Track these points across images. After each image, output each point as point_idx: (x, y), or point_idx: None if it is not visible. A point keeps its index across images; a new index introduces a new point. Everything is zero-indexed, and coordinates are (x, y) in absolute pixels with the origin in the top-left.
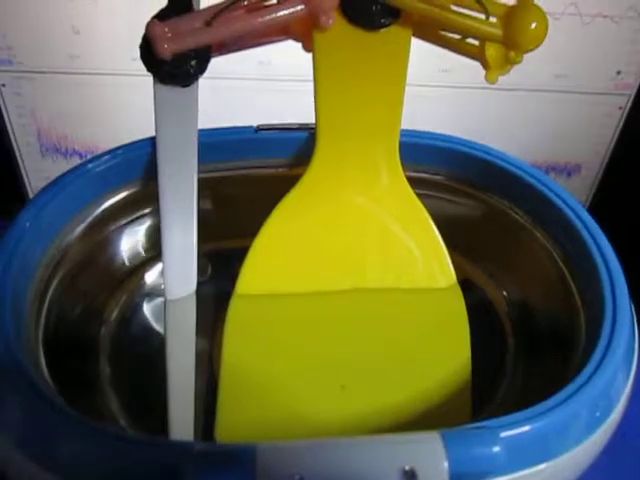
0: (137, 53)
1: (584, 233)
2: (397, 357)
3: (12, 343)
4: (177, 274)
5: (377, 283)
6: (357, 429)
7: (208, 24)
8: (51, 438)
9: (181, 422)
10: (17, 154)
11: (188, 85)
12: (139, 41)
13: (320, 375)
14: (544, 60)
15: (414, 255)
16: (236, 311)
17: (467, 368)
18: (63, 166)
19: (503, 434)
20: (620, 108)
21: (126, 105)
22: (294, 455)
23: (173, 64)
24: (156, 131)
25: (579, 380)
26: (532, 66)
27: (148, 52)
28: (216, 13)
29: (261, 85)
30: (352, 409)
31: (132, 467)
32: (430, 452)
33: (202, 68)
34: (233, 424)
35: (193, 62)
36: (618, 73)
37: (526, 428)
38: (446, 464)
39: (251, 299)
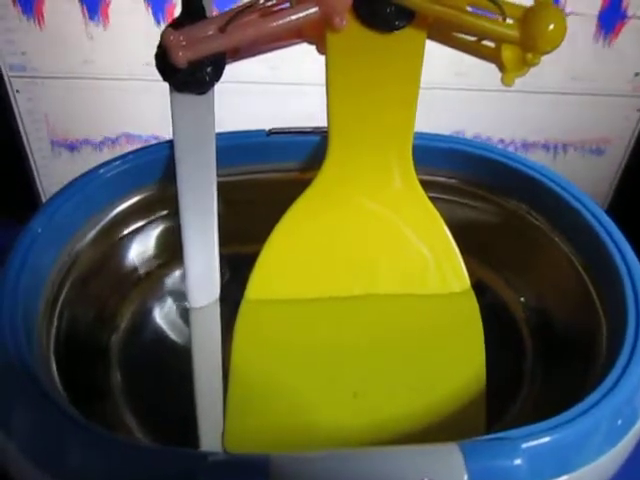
0: (150, 58)
1: (604, 237)
2: (409, 364)
3: (23, 349)
4: (200, 282)
5: (389, 288)
6: (369, 438)
7: (222, 30)
8: (61, 446)
9: (211, 431)
10: (30, 159)
11: (204, 92)
12: (152, 45)
13: (331, 382)
14: (561, 62)
15: (427, 260)
16: (246, 316)
17: (482, 375)
18: (76, 171)
19: (524, 445)
20: (638, 110)
21: (139, 110)
22: (309, 466)
23: (189, 72)
24: (174, 139)
25: (602, 389)
26: (549, 68)
27: (163, 61)
28: (230, 19)
29: (273, 89)
30: (364, 417)
31: (144, 477)
32: (449, 464)
33: (217, 75)
34: (242, 433)
35: (209, 69)
36: (636, 75)
37: (548, 439)
38: (466, 477)
39: (261, 304)
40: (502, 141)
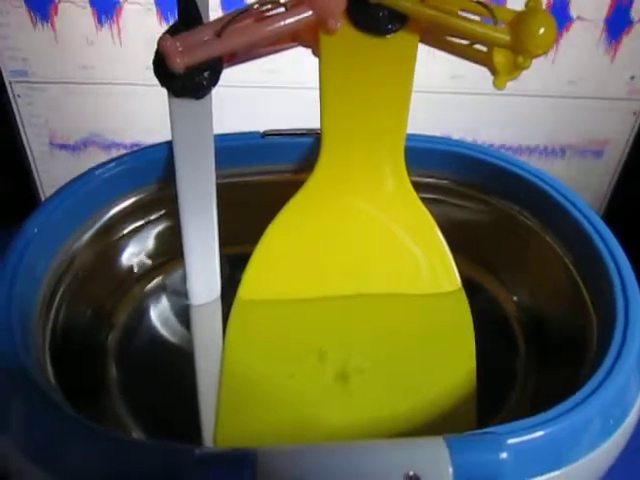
0: (149, 62)
1: (595, 236)
2: (401, 363)
3: (19, 349)
4: (201, 280)
5: (381, 289)
6: (360, 435)
7: (218, 36)
8: (57, 443)
9: (206, 427)
10: (31, 163)
11: (202, 97)
12: (151, 50)
13: (322, 381)
14: (556, 66)
15: (418, 260)
16: (238, 316)
17: (472, 374)
18: (76, 174)
19: (510, 441)
20: (634, 113)
21: (138, 113)
22: (295, 460)
23: (186, 77)
24: (173, 144)
25: (591, 385)
26: (544, 72)
27: (161, 67)
28: (225, 24)
29: (268, 92)
30: (355, 415)
31: (133, 471)
32: (435, 458)
33: (215, 80)
34: (233, 429)
35: (206, 74)
36: (632, 78)
37: (535, 435)
38: (451, 470)
39: (254, 304)
40: (499, 144)
